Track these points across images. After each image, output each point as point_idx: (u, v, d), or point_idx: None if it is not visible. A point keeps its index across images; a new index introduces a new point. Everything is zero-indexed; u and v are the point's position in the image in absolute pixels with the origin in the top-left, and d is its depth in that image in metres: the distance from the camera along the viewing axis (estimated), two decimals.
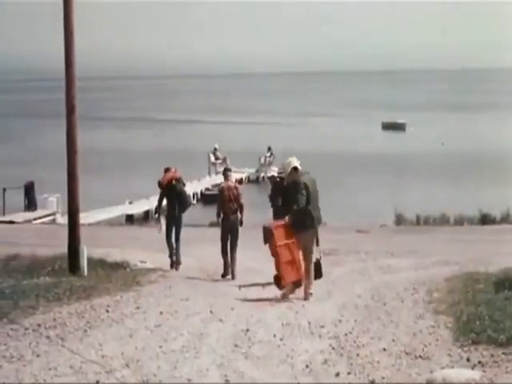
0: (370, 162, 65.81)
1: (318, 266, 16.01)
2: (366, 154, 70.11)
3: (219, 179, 51.94)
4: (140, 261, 20.83)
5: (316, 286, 16.38)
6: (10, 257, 20.44)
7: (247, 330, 12.67)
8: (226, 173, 19.38)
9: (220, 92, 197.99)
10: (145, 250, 22.65)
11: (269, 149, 58.78)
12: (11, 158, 67.50)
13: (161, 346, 11.66)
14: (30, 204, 38.94)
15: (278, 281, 15.68)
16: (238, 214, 18.85)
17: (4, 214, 36.88)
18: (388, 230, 29.41)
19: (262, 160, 57.67)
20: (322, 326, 13.00)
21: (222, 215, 18.88)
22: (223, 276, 19.16)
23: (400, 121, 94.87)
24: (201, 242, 23.59)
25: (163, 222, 20.35)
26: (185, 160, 61.31)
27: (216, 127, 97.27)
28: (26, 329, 12.45)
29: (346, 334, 12.43)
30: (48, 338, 12.05)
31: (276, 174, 19.37)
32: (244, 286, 17.58)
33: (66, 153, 19.12)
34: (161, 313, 13.81)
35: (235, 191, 18.70)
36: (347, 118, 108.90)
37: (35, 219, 36.25)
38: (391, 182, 55.30)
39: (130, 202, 43.65)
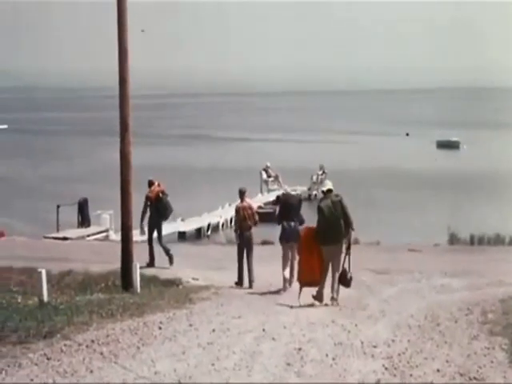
0: (424, 179, 65.27)
1: (343, 275, 17.34)
2: (419, 172, 69.55)
3: (272, 197, 52.06)
4: (192, 278, 20.93)
5: (368, 305, 16.28)
6: (64, 273, 20.69)
7: (299, 349, 12.62)
8: (241, 194, 20.88)
9: (280, 110, 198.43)
10: (197, 267, 22.72)
11: (321, 167, 58.67)
12: (65, 175, 68.26)
13: (213, 364, 11.67)
14: (84, 220, 39.30)
15: (299, 278, 17.77)
16: (252, 230, 20.73)
17: (58, 231, 37.25)
18: (441, 250, 29.08)
19: (314, 178, 57.55)
20: (375, 346, 12.90)
21: (238, 231, 20.82)
22: (237, 284, 20.42)
23: (454, 139, 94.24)
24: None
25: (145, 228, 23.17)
26: (237, 177, 61.50)
27: (269, 145, 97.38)
28: (80, 345, 12.55)
29: (399, 354, 12.32)
30: (101, 354, 12.14)
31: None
32: (296, 305, 17.52)
33: (120, 170, 19.30)
34: (213, 330, 13.83)
35: (249, 211, 20.63)
36: (398, 136, 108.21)
37: (88, 236, 36.53)
38: (445, 201, 54.74)
39: (182, 220, 43.80)
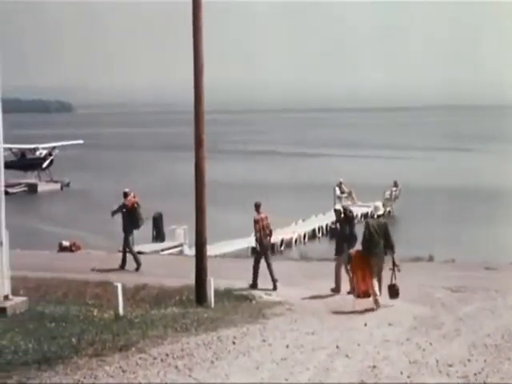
0: (501, 195, 64.15)
1: (392, 288, 19.26)
2: (495, 188, 68.38)
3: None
4: (265, 293, 20.93)
5: (443, 323, 16.12)
6: (139, 287, 20.90)
7: (374, 367, 12.53)
8: (256, 207, 22.63)
9: (349, 126, 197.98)
10: (270, 282, 22.67)
11: (395, 183, 58.15)
12: (140, 190, 68.87)
13: (286, 379, 11.67)
14: (158, 235, 39.61)
15: (353, 291, 19.52)
16: (269, 238, 22.79)
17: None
18: None
19: (387, 194, 57.08)
20: (451, 365, 12.74)
21: (258, 239, 22.59)
22: (252, 287, 21.69)
23: None
24: (327, 276, 23.44)
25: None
26: (309, 193, 61.46)
27: (341, 160, 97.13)
28: (155, 358, 12.67)
29: (475, 374, 12.14)
30: (176, 367, 12.23)
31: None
32: (370, 323, 17.39)
33: (195, 186, 19.47)
34: (287, 346, 13.82)
35: (265, 221, 22.57)
36: (473, 151, 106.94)
37: (163, 250, 36.76)
38: None
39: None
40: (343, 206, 22.08)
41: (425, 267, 25.53)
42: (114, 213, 26.21)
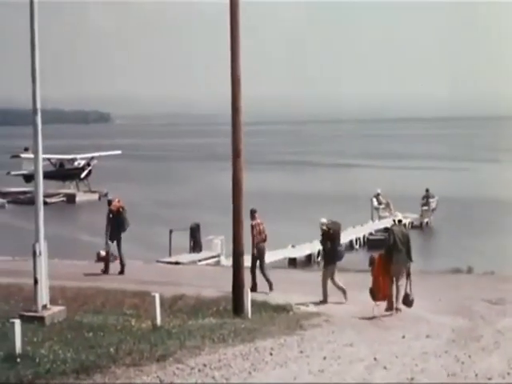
0: None
1: (406, 297, 19.81)
2: None
3: (383, 224, 51.45)
4: (303, 304, 20.87)
5: (482, 336, 15.98)
6: (177, 297, 20.93)
7: (412, 379, 12.44)
8: (252, 213, 23.32)
9: (385, 137, 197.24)
10: (307, 293, 22.64)
11: (427, 191, 57.64)
12: (178, 200, 69.24)
13: None
14: (196, 245, 39.66)
15: (372, 294, 19.96)
16: (264, 243, 23.88)
17: (170, 255, 37.71)
18: None
19: (424, 204, 56.60)
20: (490, 378, 12.62)
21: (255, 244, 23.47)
22: (252, 290, 21.44)
23: None
24: (364, 287, 23.33)
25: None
26: (344, 204, 61.23)
27: (378, 171, 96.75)
28: (192, 368, 12.68)
29: None
30: (213, 378, 12.24)
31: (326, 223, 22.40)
32: (408, 335, 17.28)
33: (232, 197, 19.51)
34: (324, 358, 13.76)
35: (261, 226, 23.69)
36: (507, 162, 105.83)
37: (200, 260, 36.80)
38: None
39: (293, 246, 43.73)
40: (327, 224, 22.10)
41: (463, 279, 25.34)
42: (107, 226, 26.74)
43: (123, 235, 27.01)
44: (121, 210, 26.79)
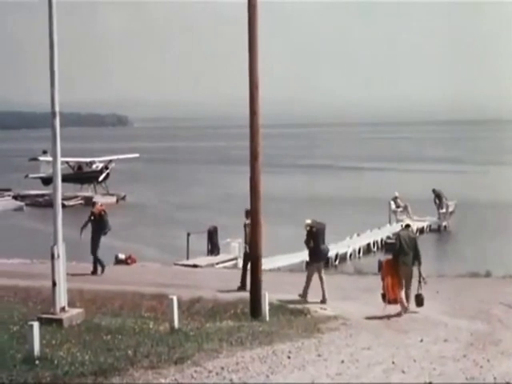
0: None
1: (417, 296, 20.41)
2: None
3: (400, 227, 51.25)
4: (320, 307, 20.86)
5: (501, 340, 15.91)
6: (194, 299, 20.95)
7: (430, 383, 12.38)
8: (247, 213, 22.87)
9: (402, 140, 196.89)
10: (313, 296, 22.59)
11: (443, 195, 57.41)
12: (195, 203, 69.30)
13: None
14: (213, 248, 39.66)
15: (383, 297, 20.33)
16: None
17: (188, 258, 37.73)
18: None
19: (444, 208, 56.40)
20: (509, 382, 12.55)
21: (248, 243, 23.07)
22: (240, 289, 22.70)
23: None
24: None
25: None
26: (364, 208, 61.13)
27: (395, 175, 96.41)
28: (210, 371, 12.68)
29: None
30: (231, 381, 12.23)
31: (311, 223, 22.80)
32: (426, 338, 17.22)
33: (250, 200, 19.49)
34: (342, 361, 13.73)
35: None
36: None
37: (218, 263, 36.80)
38: None
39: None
40: (311, 223, 22.57)
41: (482, 283, 25.23)
42: (85, 224, 27.62)
43: (103, 238, 27.91)
44: (102, 213, 27.76)
